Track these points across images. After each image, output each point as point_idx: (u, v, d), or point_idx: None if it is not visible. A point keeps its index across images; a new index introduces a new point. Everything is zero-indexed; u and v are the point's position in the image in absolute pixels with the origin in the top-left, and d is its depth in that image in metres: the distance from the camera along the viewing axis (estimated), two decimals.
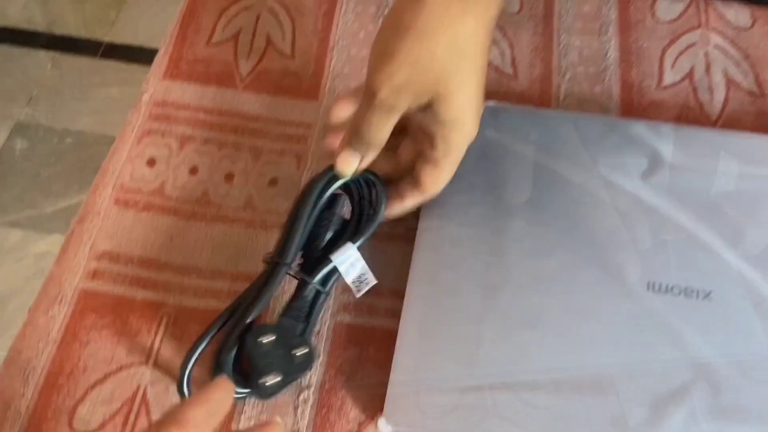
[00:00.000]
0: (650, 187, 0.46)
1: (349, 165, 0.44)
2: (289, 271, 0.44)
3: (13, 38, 1.88)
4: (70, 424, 0.44)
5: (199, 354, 0.42)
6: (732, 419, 0.39)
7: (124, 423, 0.43)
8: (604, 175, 0.47)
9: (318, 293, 0.45)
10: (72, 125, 1.69)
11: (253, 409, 0.44)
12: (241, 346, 0.42)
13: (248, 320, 0.43)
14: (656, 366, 0.41)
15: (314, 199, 0.45)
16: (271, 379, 0.41)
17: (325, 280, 0.45)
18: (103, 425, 0.43)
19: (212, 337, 0.43)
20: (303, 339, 0.43)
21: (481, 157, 0.48)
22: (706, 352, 0.41)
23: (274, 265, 0.44)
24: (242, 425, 0.43)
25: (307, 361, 0.43)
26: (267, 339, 0.42)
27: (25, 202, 1.59)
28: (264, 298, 0.43)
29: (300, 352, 0.42)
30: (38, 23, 1.91)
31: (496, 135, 0.49)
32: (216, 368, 0.42)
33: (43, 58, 1.83)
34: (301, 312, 0.44)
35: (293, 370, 0.42)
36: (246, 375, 0.42)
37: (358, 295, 0.46)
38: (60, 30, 1.89)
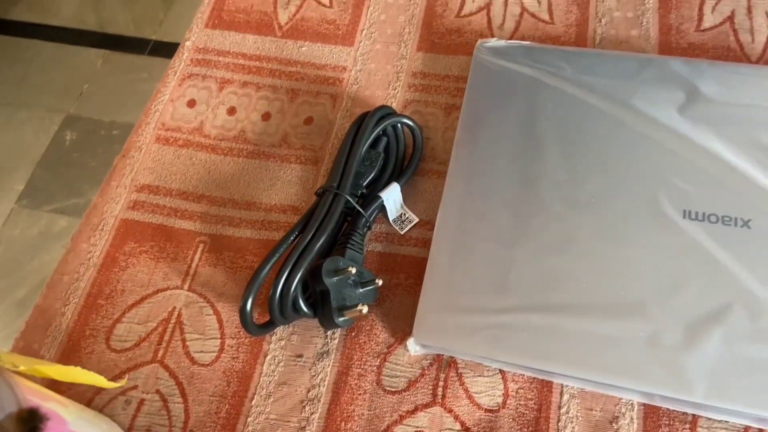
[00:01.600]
0: (687, 119, 0.46)
1: None
2: (347, 203, 0.44)
3: (66, 37, 1.95)
4: (107, 342, 0.45)
5: (262, 280, 0.42)
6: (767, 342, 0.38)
7: (159, 342, 0.44)
8: (640, 108, 0.46)
9: (367, 227, 0.46)
10: (119, 118, 1.74)
11: (284, 331, 0.44)
12: (312, 275, 0.42)
13: (316, 248, 0.42)
14: (691, 291, 0.40)
15: (368, 134, 0.46)
16: (352, 314, 0.41)
17: (371, 216, 0.46)
18: (138, 343, 0.44)
19: (273, 264, 0.42)
20: (371, 273, 0.43)
21: (514, 92, 0.48)
22: (743, 277, 0.40)
23: (334, 195, 0.44)
24: (273, 346, 0.44)
25: (375, 294, 0.43)
26: (346, 271, 0.41)
27: (73, 191, 1.64)
28: (328, 227, 0.43)
29: (370, 286, 0.43)
30: (90, 23, 1.98)
31: (529, 71, 0.49)
32: (282, 295, 0.41)
33: (93, 55, 1.90)
34: (360, 244, 0.45)
35: (365, 302, 0.42)
36: (311, 301, 0.42)
37: (402, 232, 0.47)
38: (110, 29, 1.96)
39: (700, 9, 0.54)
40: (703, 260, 0.41)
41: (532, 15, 0.55)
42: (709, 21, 0.53)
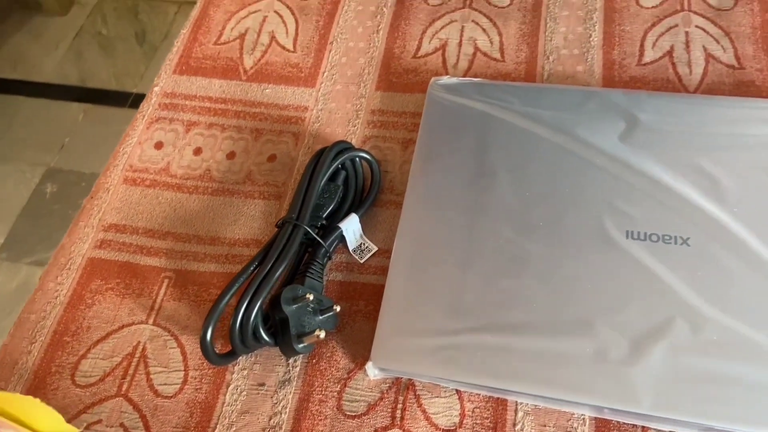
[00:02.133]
0: (628, 146, 0.48)
1: None
2: (306, 233, 0.46)
3: (48, 92, 1.99)
4: (72, 378, 0.45)
5: (222, 310, 0.43)
6: (710, 353, 0.40)
7: (123, 376, 0.45)
8: (584, 137, 0.49)
9: (327, 257, 0.47)
10: (100, 169, 1.76)
11: (246, 360, 0.45)
12: (272, 304, 0.43)
13: (275, 277, 0.43)
14: (636, 307, 0.42)
15: (326, 168, 0.48)
16: (310, 340, 0.42)
17: (330, 246, 0.47)
18: (102, 378, 0.45)
19: (233, 294, 0.43)
20: (330, 300, 0.45)
21: (466, 125, 0.51)
22: (684, 292, 0.42)
23: (293, 226, 0.46)
24: (236, 376, 0.44)
25: (335, 320, 0.45)
26: (304, 299, 0.43)
27: (53, 242, 1.65)
28: (287, 256, 0.44)
29: (329, 313, 0.44)
30: (72, 78, 2.02)
31: (480, 106, 0.52)
32: (242, 324, 0.42)
33: (75, 109, 1.93)
34: (320, 273, 0.46)
35: (325, 329, 0.43)
36: (272, 330, 0.43)
37: (362, 261, 0.48)
38: (92, 83, 2.00)
39: (641, 45, 0.57)
40: (646, 278, 0.43)
41: (485, 54, 0.58)
42: (649, 56, 0.56)
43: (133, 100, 1.90)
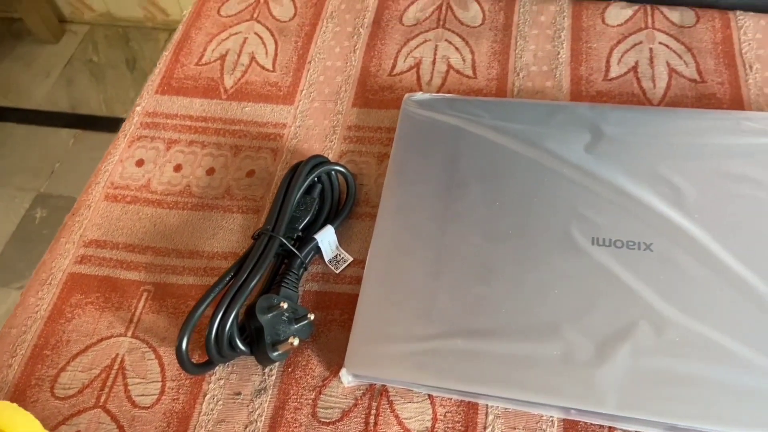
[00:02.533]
0: (593, 156, 0.50)
1: None
2: (282, 245, 0.47)
3: (38, 119, 2.00)
4: (52, 390, 0.46)
5: (197, 319, 0.44)
6: (673, 354, 0.41)
7: (102, 387, 0.46)
8: (551, 149, 0.50)
9: (303, 267, 0.48)
10: None
11: (223, 370, 0.46)
12: (247, 313, 0.44)
13: (250, 287, 0.44)
14: (601, 310, 0.43)
15: (301, 181, 0.49)
16: (285, 348, 0.43)
17: (306, 256, 0.48)
18: (81, 390, 0.46)
19: (208, 304, 0.44)
20: (305, 309, 0.46)
21: (437, 138, 0.52)
22: (647, 296, 0.43)
23: (269, 237, 0.47)
24: (212, 386, 0.45)
25: (310, 328, 0.45)
26: (278, 308, 0.44)
27: None
28: (262, 267, 0.45)
29: (304, 321, 0.45)
30: (62, 105, 2.03)
31: (452, 120, 0.53)
32: (218, 334, 0.43)
33: (65, 135, 1.94)
34: (295, 283, 0.47)
35: (300, 337, 0.44)
36: (248, 340, 0.44)
37: (337, 272, 0.49)
38: (82, 110, 2.01)
39: (608, 61, 0.59)
40: (611, 282, 0.44)
41: (457, 71, 0.60)
42: (615, 71, 0.58)
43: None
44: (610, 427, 0.41)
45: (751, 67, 0.57)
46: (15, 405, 0.35)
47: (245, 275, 0.45)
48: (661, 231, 0.45)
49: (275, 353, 0.43)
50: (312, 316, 0.45)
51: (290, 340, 0.43)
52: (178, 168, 0.56)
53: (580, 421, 0.41)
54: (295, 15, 0.66)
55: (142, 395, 0.45)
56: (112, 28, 2.18)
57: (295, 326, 0.44)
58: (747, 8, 0.61)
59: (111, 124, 1.93)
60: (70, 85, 2.07)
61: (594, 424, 0.41)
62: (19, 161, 1.85)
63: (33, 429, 0.35)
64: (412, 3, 0.66)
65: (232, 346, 0.43)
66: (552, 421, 0.42)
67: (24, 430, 0.35)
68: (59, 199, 1.77)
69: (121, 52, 2.14)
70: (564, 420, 0.42)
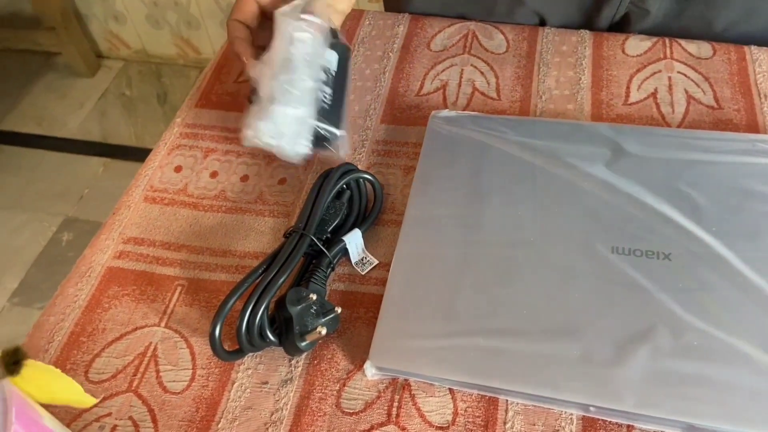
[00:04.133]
0: (613, 171, 0.52)
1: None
2: (312, 243, 0.49)
3: (70, 147, 2.07)
4: (86, 375, 0.48)
5: (230, 308, 0.46)
6: (690, 357, 0.42)
7: (134, 373, 0.48)
8: (572, 163, 0.53)
9: (331, 267, 0.50)
10: None
11: (251, 360, 0.47)
12: (278, 305, 0.47)
13: (281, 281, 0.46)
14: (620, 313, 0.44)
15: (332, 185, 0.51)
16: (313, 337, 0.45)
17: (334, 257, 0.50)
18: (115, 375, 0.48)
19: (240, 296, 0.46)
20: (331, 304, 0.47)
21: (462, 152, 0.55)
22: (666, 301, 0.44)
23: (300, 236, 0.49)
24: (240, 375, 0.47)
25: (336, 322, 0.47)
26: (307, 299, 0.46)
27: None
28: (292, 262, 0.47)
29: (331, 315, 0.47)
30: (94, 135, 2.10)
31: (476, 135, 0.56)
32: (249, 323, 0.44)
33: (95, 163, 2.00)
34: (323, 280, 0.49)
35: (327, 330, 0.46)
36: (277, 332, 0.46)
37: (363, 273, 0.51)
38: (113, 140, 2.08)
39: (627, 87, 0.62)
40: (630, 287, 0.45)
41: (482, 93, 0.63)
42: (635, 96, 0.61)
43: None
44: (628, 426, 0.42)
45: (766, 97, 0.59)
46: (58, 370, 0.37)
47: (276, 269, 0.47)
48: (679, 242, 0.47)
49: (303, 343, 0.45)
50: (339, 310, 0.47)
51: (318, 329, 0.44)
52: (214, 174, 0.59)
53: (599, 419, 0.42)
54: None
55: (173, 381, 0.47)
56: (146, 64, 2.27)
57: (323, 319, 0.46)
58: (760, 43, 0.64)
59: (140, 154, 1.99)
60: (103, 117, 2.15)
61: (612, 422, 0.42)
62: (50, 186, 1.91)
63: (76, 392, 0.37)
64: (440, 31, 0.70)
65: (262, 336, 0.45)
66: (571, 418, 0.43)
67: (68, 391, 0.36)
68: (86, 224, 1.81)
69: (153, 87, 2.22)
70: (583, 417, 0.42)
